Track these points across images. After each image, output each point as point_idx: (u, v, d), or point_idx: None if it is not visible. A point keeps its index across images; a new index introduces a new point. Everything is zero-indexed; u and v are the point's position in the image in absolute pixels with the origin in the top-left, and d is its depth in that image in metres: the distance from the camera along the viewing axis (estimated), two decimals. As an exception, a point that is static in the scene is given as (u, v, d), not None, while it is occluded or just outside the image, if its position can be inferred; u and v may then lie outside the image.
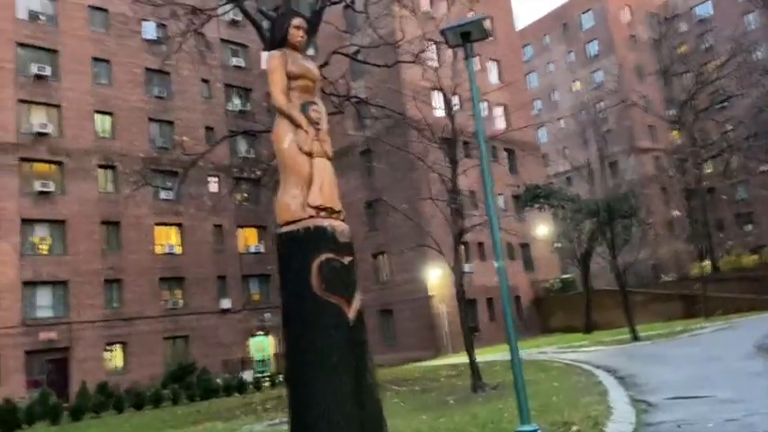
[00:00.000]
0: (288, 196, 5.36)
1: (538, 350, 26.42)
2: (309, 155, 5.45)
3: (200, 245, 39.65)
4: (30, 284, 33.09)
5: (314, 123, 5.56)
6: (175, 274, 38.22)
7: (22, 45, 34.85)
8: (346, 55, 24.19)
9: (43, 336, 32.75)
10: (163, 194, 38.37)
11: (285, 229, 5.26)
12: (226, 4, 23.91)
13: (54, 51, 35.93)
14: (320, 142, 5.56)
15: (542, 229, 43.09)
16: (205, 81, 41.69)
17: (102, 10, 37.55)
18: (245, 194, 42.65)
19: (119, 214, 36.57)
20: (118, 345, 35.74)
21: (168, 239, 38.85)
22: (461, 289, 15.83)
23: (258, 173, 35.07)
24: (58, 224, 34.70)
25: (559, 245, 42.01)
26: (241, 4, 22.52)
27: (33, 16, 35.79)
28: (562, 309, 42.30)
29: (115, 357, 35.81)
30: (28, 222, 33.65)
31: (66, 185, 35.05)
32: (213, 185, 40.72)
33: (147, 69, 38.82)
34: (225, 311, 40.00)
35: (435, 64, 26.29)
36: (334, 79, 26.32)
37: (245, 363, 39.82)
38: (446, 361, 29.74)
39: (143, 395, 27.33)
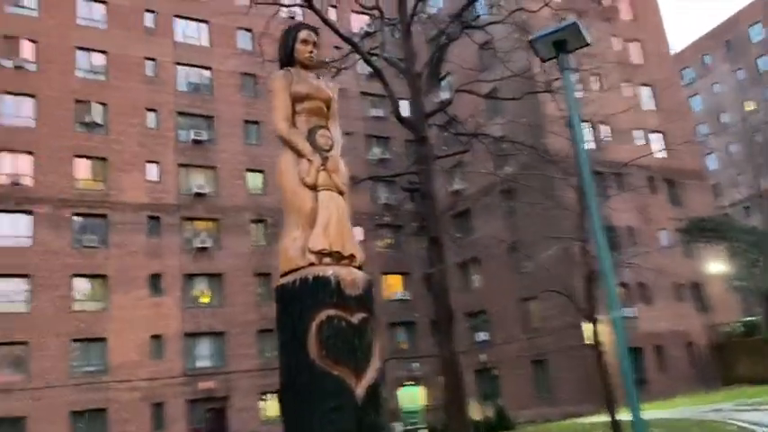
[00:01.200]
0: (288, 239, 4.45)
1: (712, 407, 22.79)
2: (313, 188, 4.55)
3: (346, 294, 39.97)
4: (190, 336, 35.08)
5: (321, 151, 4.69)
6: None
7: (181, 114, 38.03)
8: (470, 92, 23.24)
9: (202, 385, 34.35)
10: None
11: (283, 280, 4.35)
12: (351, 53, 24.13)
13: (209, 117, 38.81)
14: (328, 173, 4.64)
15: (716, 266, 38.21)
16: (348, 134, 42.79)
17: (250, 75, 40.07)
18: (389, 241, 42.72)
19: (270, 266, 37.92)
20: (272, 394, 36.54)
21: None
22: (596, 338, 13.95)
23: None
24: (215, 278, 36.74)
25: (739, 283, 36.92)
26: (366, 56, 22.61)
27: (192, 87, 39.05)
28: (746, 356, 36.78)
29: (270, 406, 36.60)
30: (189, 277, 35.96)
31: (222, 241, 37.13)
32: (358, 234, 41.12)
33: (293, 127, 40.57)
34: (373, 361, 39.66)
35: (579, 94, 24.60)
36: (464, 118, 25.48)
37: (395, 414, 38.94)
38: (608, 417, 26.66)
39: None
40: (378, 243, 41.97)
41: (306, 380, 4.00)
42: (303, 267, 4.30)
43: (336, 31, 24.24)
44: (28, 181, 33.55)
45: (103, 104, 36.13)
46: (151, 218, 35.75)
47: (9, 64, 34.39)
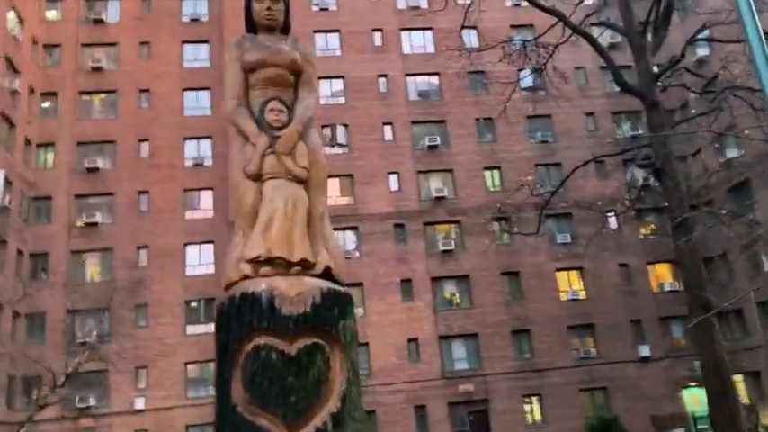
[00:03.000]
0: (230, 248, 3.54)
1: None
2: (257, 178, 3.55)
3: (605, 287, 36.78)
4: (445, 338, 35.39)
5: (270, 130, 3.66)
6: (583, 321, 36.07)
7: (415, 123, 38.89)
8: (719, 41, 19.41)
9: (462, 388, 34.32)
10: (559, 238, 37.34)
11: (219, 299, 3.41)
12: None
13: (441, 122, 39.07)
14: (278, 156, 3.59)
15: None
16: (588, 114, 39.70)
17: (478, 73, 39.33)
18: (652, 227, 38.40)
19: (517, 264, 36.74)
20: (533, 397, 35.11)
21: (571, 284, 37.15)
22: None
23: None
24: (462, 279, 36.65)
25: None
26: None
27: (422, 96, 39.76)
28: None
29: (532, 410, 35.20)
30: (436, 280, 36.40)
31: (465, 242, 36.92)
32: (612, 222, 37.59)
33: (528, 117, 38.92)
34: (644, 360, 35.79)
35: None
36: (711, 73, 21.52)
37: (678, 419, 34.53)
38: None
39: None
40: (641, 230, 38.12)
41: (228, 429, 3.04)
42: (236, 282, 3.37)
43: (540, 6, 22.44)
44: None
45: (345, 125, 38.60)
46: (397, 225, 37.05)
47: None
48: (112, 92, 38.93)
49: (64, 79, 38.29)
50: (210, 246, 35.84)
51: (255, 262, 3.38)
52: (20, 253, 35.09)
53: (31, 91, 37.14)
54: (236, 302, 3.26)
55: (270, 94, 3.85)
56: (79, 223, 36.49)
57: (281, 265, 3.40)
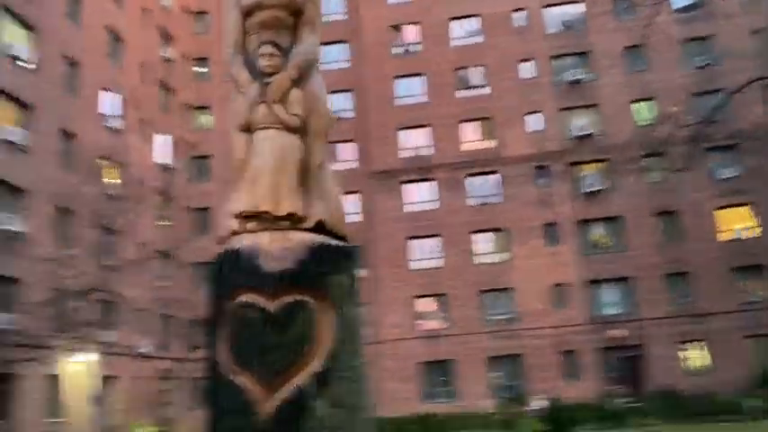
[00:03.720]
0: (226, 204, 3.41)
1: None
2: (247, 129, 3.37)
3: (776, 225, 33.00)
4: (592, 283, 33.93)
5: (261, 76, 3.43)
6: (749, 262, 32.75)
7: (555, 57, 36.70)
8: None
9: (611, 333, 32.92)
10: (722, 173, 33.92)
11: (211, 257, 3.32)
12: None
13: (585, 54, 36.50)
14: (268, 104, 3.38)
15: None
16: (755, 32, 35.06)
17: (626, -5, 36.07)
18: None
19: (673, 203, 33.99)
20: (692, 343, 32.82)
21: (735, 223, 33.74)
22: None
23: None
24: (611, 221, 34.70)
25: None
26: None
27: (563, 28, 37.30)
28: None
29: (691, 357, 32.98)
30: (583, 223, 34.76)
31: (613, 182, 34.72)
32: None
33: (683, 41, 35.32)
34: (822, 304, 31.94)
35: None
36: None
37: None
38: None
39: (718, 402, 24.33)
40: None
41: (211, 387, 3.01)
42: (225, 239, 3.29)
43: None
44: (427, 151, 37.13)
45: (481, 66, 37.42)
46: (539, 167, 35.68)
47: (399, 50, 38.51)
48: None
49: (213, 45, 40.64)
50: (356, 195, 36.59)
51: (242, 217, 3.32)
52: (187, 209, 38.50)
53: (185, 58, 39.87)
54: (221, 259, 3.24)
55: (264, 38, 3.67)
56: (235, 179, 39.17)
57: (267, 220, 3.30)
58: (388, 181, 36.85)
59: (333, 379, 3.00)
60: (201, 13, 41.47)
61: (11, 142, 24.45)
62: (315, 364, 2.99)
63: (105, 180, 30.85)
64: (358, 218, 36.11)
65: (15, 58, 25.22)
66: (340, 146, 37.69)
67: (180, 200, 37.82)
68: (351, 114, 39.01)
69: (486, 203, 35.92)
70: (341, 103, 38.01)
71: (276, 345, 2.98)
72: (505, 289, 34.71)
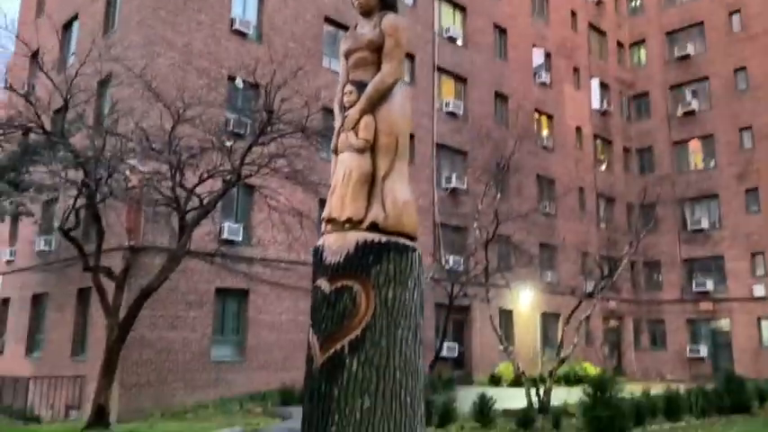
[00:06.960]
0: None
1: None
2: (336, 153, 3.98)
3: None
4: None
5: (344, 110, 3.96)
6: None
7: None
8: None
9: None
10: None
11: None
12: None
13: None
14: (345, 132, 3.92)
15: None
16: None
17: None
18: None
19: None
20: None
21: None
22: None
23: None
24: None
25: None
26: None
27: None
28: None
29: None
30: None
31: None
32: None
33: None
34: None
35: None
36: None
37: None
38: None
39: None
40: None
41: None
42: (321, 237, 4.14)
43: None
44: None
45: None
46: None
47: None
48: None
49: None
50: None
51: (325, 222, 4.30)
52: (625, 150, 38.14)
53: (616, -4, 38.91)
54: (314, 253, 4.34)
55: (353, 77, 4.45)
56: (678, 113, 36.91)
57: (335, 224, 4.21)
58: None
59: (365, 345, 3.85)
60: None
61: (452, 114, 28.56)
62: (353, 333, 3.89)
63: (542, 134, 33.16)
64: None
65: (451, 39, 29.18)
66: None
67: (618, 142, 37.71)
68: None
69: None
70: None
71: (329, 317, 4.00)
72: None
